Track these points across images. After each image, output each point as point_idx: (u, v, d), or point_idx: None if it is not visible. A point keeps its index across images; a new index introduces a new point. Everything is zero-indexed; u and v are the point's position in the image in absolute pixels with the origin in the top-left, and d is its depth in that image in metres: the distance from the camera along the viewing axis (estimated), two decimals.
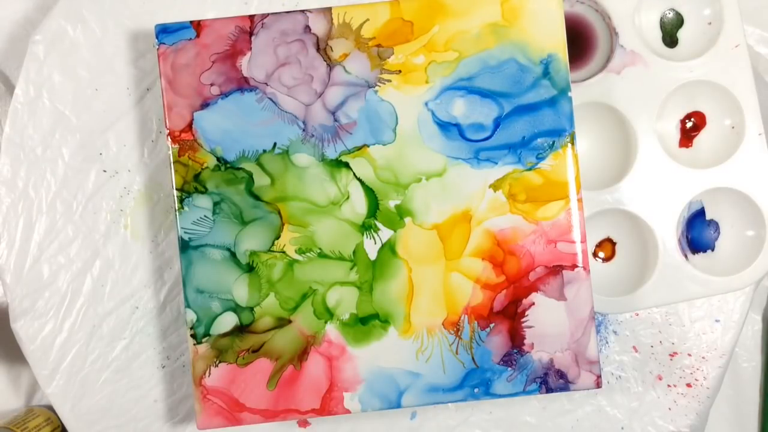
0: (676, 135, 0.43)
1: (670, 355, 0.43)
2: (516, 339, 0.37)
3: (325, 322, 0.37)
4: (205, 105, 0.37)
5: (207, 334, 0.37)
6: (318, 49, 0.38)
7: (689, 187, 0.42)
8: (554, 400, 0.43)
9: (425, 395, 0.37)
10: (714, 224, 0.43)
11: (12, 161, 0.42)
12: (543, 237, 0.37)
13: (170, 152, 0.37)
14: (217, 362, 0.37)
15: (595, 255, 0.43)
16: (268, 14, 0.38)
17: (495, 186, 0.37)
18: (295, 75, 0.37)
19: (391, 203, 0.37)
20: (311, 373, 0.37)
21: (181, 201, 0.37)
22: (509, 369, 0.37)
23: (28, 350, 0.42)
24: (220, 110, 0.37)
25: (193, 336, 0.37)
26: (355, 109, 0.37)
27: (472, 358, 0.37)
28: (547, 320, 0.37)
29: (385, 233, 0.37)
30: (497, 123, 0.37)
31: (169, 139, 0.38)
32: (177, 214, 0.37)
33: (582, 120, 0.42)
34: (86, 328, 0.42)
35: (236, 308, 0.37)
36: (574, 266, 0.37)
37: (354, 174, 0.37)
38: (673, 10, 0.43)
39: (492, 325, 0.37)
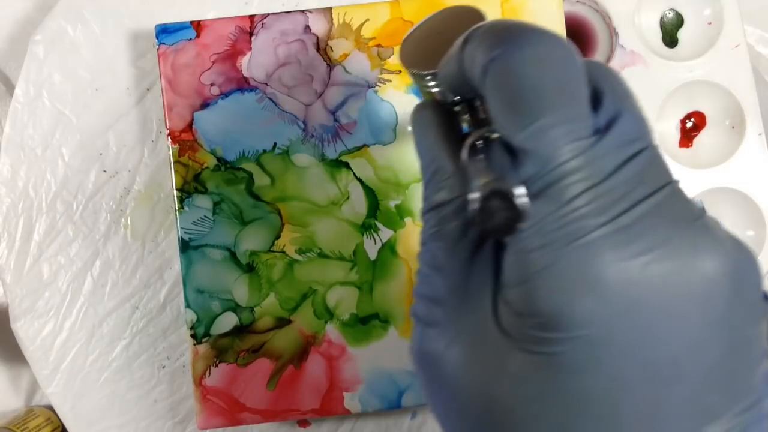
0: (676, 135, 0.43)
1: None
2: None
3: (325, 322, 0.37)
4: (205, 105, 0.37)
5: (207, 334, 0.37)
6: (318, 49, 0.37)
7: (689, 187, 0.42)
8: None
9: None
10: None
11: (12, 161, 0.42)
12: None
13: (170, 152, 0.37)
14: (217, 362, 0.37)
15: None
16: (268, 14, 0.38)
17: None
18: (295, 75, 0.37)
19: (392, 203, 0.37)
20: (311, 373, 0.37)
21: (181, 201, 0.37)
22: None
23: (28, 350, 0.42)
24: (220, 110, 0.37)
25: (193, 336, 0.37)
26: (355, 109, 0.37)
27: None
28: None
29: (386, 233, 0.37)
30: None
31: (169, 139, 0.38)
32: (177, 214, 0.37)
33: None
34: (86, 328, 0.42)
35: (236, 308, 0.37)
36: None
37: (354, 174, 0.37)
38: (673, 10, 0.43)
39: None
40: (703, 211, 0.17)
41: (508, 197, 0.17)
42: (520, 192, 0.17)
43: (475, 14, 0.23)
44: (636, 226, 0.16)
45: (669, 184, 0.17)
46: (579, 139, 0.17)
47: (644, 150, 0.17)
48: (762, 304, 0.18)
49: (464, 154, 0.19)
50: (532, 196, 0.17)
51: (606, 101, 0.18)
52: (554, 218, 0.17)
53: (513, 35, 0.18)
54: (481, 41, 0.18)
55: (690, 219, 0.17)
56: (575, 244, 0.16)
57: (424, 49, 0.24)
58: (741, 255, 0.17)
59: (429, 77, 0.22)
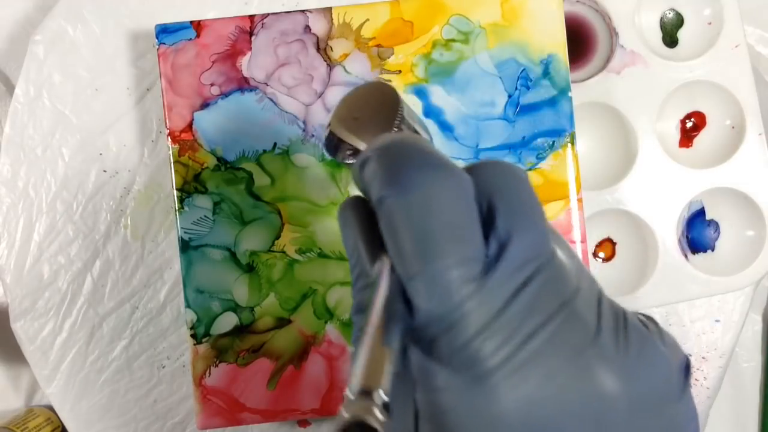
0: (676, 135, 0.43)
1: None
2: None
3: (325, 322, 0.37)
4: (205, 105, 0.37)
5: (207, 334, 0.37)
6: (318, 49, 0.38)
7: (689, 187, 0.42)
8: None
9: None
10: (714, 224, 0.43)
11: (12, 161, 0.42)
12: None
13: (170, 152, 0.37)
14: (217, 362, 0.37)
15: (595, 255, 0.43)
16: (268, 14, 0.38)
17: None
18: (295, 75, 0.37)
19: None
20: (311, 373, 0.37)
21: (181, 201, 0.37)
22: None
23: (28, 350, 0.42)
24: (220, 110, 0.37)
25: (193, 336, 0.37)
26: None
27: None
28: None
29: None
30: (497, 123, 0.37)
31: (169, 139, 0.38)
32: (177, 214, 0.37)
33: (582, 120, 0.42)
34: (86, 328, 0.42)
35: (236, 308, 0.37)
36: None
37: None
38: (673, 10, 0.43)
39: None
40: (599, 327, 0.17)
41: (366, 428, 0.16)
42: (378, 418, 0.15)
43: (389, 94, 0.24)
44: (532, 360, 0.16)
45: (564, 304, 0.17)
46: (470, 280, 0.17)
47: (536, 273, 0.17)
48: (678, 380, 0.18)
49: (376, 269, 0.19)
50: (431, 340, 0.17)
51: (498, 223, 0.17)
52: (455, 361, 0.17)
53: (401, 173, 0.17)
54: (374, 173, 0.18)
55: (583, 345, 0.17)
56: (476, 385, 0.16)
57: (351, 121, 0.24)
58: (642, 353, 0.17)
59: (351, 154, 0.23)
